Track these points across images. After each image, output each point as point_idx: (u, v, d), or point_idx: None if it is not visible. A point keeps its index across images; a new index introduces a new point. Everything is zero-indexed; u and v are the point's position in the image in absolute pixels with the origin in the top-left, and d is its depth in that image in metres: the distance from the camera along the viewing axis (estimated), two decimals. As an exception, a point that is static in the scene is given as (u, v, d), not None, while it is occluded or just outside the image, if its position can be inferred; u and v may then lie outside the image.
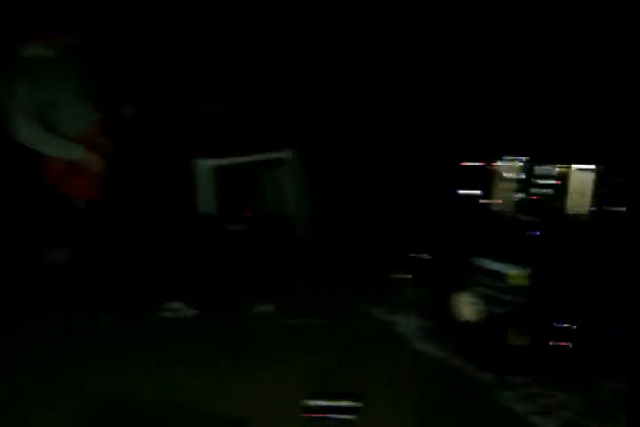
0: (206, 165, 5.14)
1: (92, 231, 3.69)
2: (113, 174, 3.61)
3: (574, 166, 2.96)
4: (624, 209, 2.76)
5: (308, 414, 2.62)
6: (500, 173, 3.22)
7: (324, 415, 2.61)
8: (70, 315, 3.94)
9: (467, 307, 3.07)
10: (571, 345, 2.80)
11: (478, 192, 3.31)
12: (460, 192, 3.39)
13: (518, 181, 3.14)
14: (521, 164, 3.15)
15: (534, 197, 3.07)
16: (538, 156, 3.11)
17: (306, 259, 5.01)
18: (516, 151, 3.21)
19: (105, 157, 3.54)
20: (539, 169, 3.08)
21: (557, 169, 3.01)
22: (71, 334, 3.71)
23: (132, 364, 3.31)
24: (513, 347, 2.86)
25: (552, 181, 3.02)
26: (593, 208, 2.89)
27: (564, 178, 2.98)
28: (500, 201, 3.20)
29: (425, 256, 3.64)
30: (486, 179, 3.29)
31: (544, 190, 3.04)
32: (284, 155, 5.43)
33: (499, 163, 3.24)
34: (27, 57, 3.36)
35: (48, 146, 3.35)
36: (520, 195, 3.12)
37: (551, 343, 2.77)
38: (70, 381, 3.14)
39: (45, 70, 3.34)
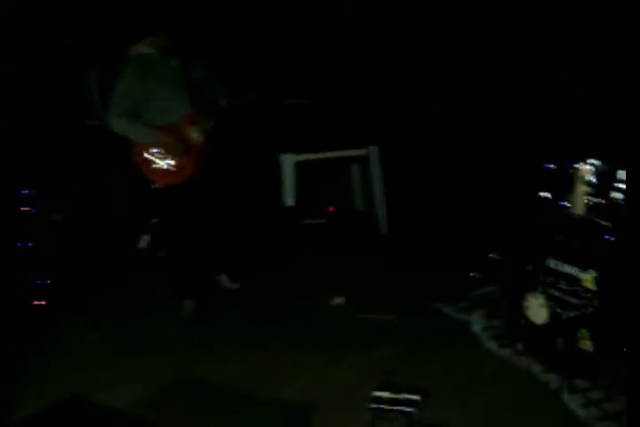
0: (290, 159, 5.27)
1: (174, 215, 3.93)
2: (202, 163, 3.86)
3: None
4: None
5: (373, 405, 2.70)
6: (580, 176, 3.19)
7: (388, 407, 2.68)
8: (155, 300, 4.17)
9: (538, 308, 3.07)
10: None
11: (557, 195, 3.29)
12: (541, 194, 3.38)
13: (596, 184, 3.11)
14: (600, 167, 3.11)
15: (611, 201, 3.03)
16: (616, 159, 3.07)
17: (383, 255, 5.08)
18: (595, 154, 3.17)
19: (193, 145, 3.81)
20: (618, 173, 3.04)
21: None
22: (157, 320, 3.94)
23: (214, 348, 3.52)
24: (581, 350, 2.84)
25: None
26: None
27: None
28: (578, 204, 3.17)
29: (501, 256, 3.65)
30: (566, 181, 3.26)
31: (622, 195, 3.00)
32: (366, 151, 5.49)
33: (579, 166, 3.21)
34: (129, 56, 3.75)
35: (128, 132, 3.69)
36: (597, 198, 3.08)
37: (619, 348, 2.74)
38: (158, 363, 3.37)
39: (144, 67, 3.69)
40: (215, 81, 4.09)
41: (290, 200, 5.22)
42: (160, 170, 3.77)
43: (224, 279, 4.35)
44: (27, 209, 4.11)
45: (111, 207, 5.31)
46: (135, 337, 3.76)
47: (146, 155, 3.76)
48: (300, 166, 5.27)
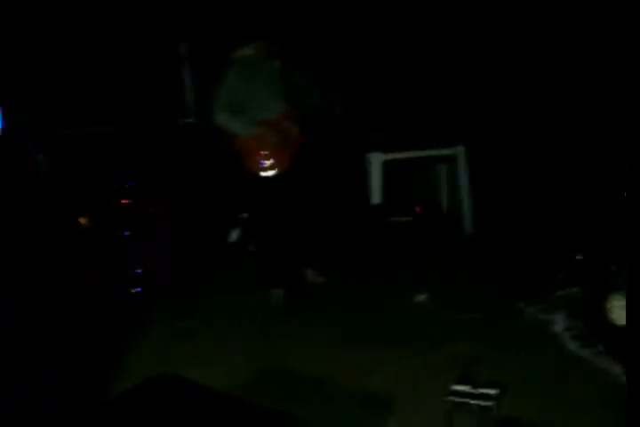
0: (377, 158, 5.36)
1: (265, 208, 4.19)
2: (294, 158, 4.16)
3: None
4: None
5: (452, 398, 2.77)
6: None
7: (466, 400, 2.74)
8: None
9: (620, 309, 3.05)
10: None
11: None
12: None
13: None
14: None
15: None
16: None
17: (469, 255, 5.10)
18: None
19: (288, 139, 4.12)
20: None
21: None
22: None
23: (299, 338, 3.65)
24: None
25: None
26: None
27: None
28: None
29: (585, 257, 3.63)
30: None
31: None
32: (454, 151, 5.51)
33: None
34: (234, 58, 4.16)
35: (231, 126, 4.10)
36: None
37: None
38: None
39: (247, 69, 4.08)
40: (311, 85, 4.35)
41: (377, 198, 5.31)
42: (259, 161, 4.10)
43: (310, 273, 4.48)
44: (126, 201, 4.35)
45: (202, 202, 5.53)
46: (224, 326, 3.93)
47: (246, 147, 4.11)
48: (387, 165, 5.35)
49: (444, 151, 5.53)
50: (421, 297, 4.13)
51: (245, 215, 5.13)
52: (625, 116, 2.45)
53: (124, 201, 4.32)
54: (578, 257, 3.68)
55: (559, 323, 3.56)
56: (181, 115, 5.85)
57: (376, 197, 5.32)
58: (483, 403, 2.69)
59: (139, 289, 4.20)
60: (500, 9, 5.09)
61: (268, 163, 4.11)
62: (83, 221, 4.15)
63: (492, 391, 2.74)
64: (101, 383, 3.19)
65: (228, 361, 3.40)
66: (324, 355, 3.41)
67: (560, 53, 4.65)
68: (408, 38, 5.54)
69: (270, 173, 4.11)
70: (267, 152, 4.09)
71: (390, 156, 5.37)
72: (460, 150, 5.50)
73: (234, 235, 5.15)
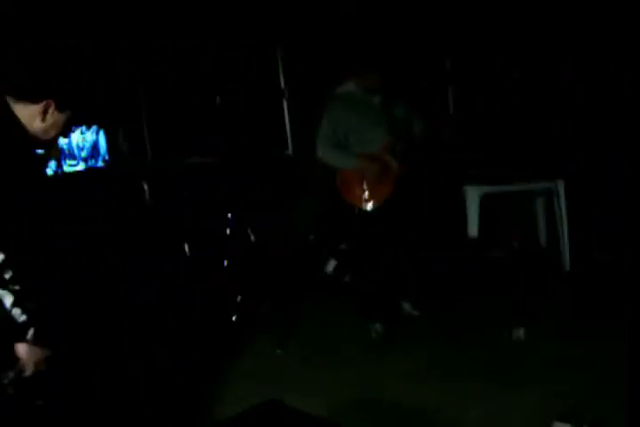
0: (475, 191, 5.32)
1: (364, 241, 4.23)
2: (397, 190, 4.14)
3: None
4: None
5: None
6: None
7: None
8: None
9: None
10: None
11: None
12: None
13: None
14: None
15: None
16: None
17: (567, 291, 4.97)
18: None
19: (390, 172, 4.12)
20: None
21: None
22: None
23: (398, 370, 3.63)
24: None
25: None
26: None
27: None
28: None
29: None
30: None
31: None
32: (553, 185, 5.42)
33: None
34: (336, 93, 4.28)
35: (333, 159, 4.18)
36: None
37: None
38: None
39: (349, 104, 4.16)
40: (413, 117, 4.36)
41: (473, 232, 5.26)
42: (360, 194, 4.14)
43: (406, 306, 4.46)
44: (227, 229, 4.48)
45: (300, 231, 5.62)
46: (321, 355, 3.95)
47: (347, 180, 4.19)
48: (485, 198, 5.30)
49: (543, 185, 5.44)
50: (518, 332, 4.03)
51: (343, 246, 5.18)
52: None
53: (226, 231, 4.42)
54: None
55: None
56: (281, 147, 5.99)
57: (473, 230, 5.27)
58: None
59: (237, 317, 4.27)
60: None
61: (368, 196, 4.14)
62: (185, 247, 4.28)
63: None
64: (204, 408, 3.27)
65: (326, 390, 3.42)
66: (421, 388, 3.37)
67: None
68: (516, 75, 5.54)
69: (370, 206, 4.13)
70: (367, 185, 4.13)
71: (488, 189, 5.33)
72: (559, 184, 5.39)
73: (330, 266, 5.20)
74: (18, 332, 1.88)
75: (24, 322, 1.86)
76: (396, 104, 4.27)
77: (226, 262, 4.24)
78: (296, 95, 5.94)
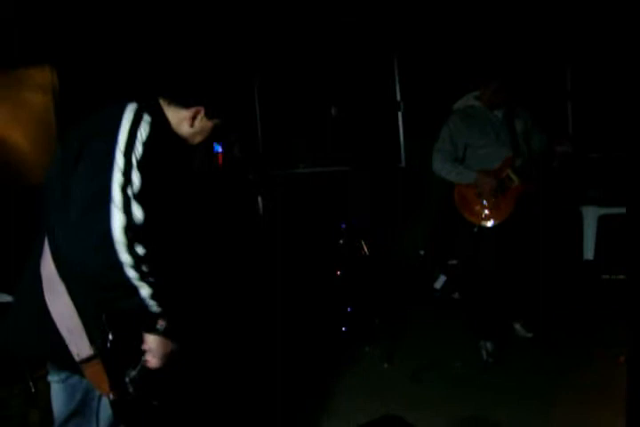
0: (592, 212, 5.17)
1: (477, 258, 4.15)
2: (517, 207, 4.05)
3: None
4: None
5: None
6: None
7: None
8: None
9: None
10: None
11: None
12: None
13: None
14: None
15: None
16: None
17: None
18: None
19: (510, 188, 4.05)
20: None
21: None
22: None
23: (504, 392, 3.56)
24: None
25: None
26: None
27: None
28: None
29: None
30: None
31: None
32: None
33: None
34: (455, 107, 4.26)
35: (450, 174, 4.11)
36: None
37: None
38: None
39: (468, 118, 4.13)
40: (534, 131, 4.27)
41: (590, 254, 5.11)
42: (478, 211, 4.08)
43: (518, 328, 4.36)
44: (340, 242, 4.51)
45: (411, 245, 5.61)
46: (428, 372, 3.91)
47: (466, 196, 4.12)
48: (602, 220, 5.14)
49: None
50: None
51: (453, 262, 5.13)
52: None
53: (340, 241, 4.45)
54: None
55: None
56: (394, 159, 6.00)
57: (590, 252, 5.11)
58: None
59: (347, 329, 4.29)
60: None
61: (489, 213, 4.06)
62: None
63: None
64: (312, 423, 3.31)
65: (435, 408, 3.40)
66: (528, 412, 3.30)
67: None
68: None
69: (489, 223, 4.06)
70: (488, 202, 4.05)
71: (605, 210, 5.16)
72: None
73: (440, 282, 5.16)
74: (150, 322, 1.88)
75: (157, 313, 1.86)
76: (518, 118, 4.18)
77: (338, 273, 4.26)
78: (411, 108, 5.94)
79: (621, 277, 5.20)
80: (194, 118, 2.04)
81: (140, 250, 1.79)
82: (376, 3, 5.74)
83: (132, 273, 1.78)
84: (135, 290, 1.80)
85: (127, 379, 1.88)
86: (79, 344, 1.86)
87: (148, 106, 1.99)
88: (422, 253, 5.60)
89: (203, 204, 2.51)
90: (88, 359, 1.86)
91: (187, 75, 2.19)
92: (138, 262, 1.79)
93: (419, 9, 5.65)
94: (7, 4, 4.80)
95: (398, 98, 5.97)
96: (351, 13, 5.85)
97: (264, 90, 6.57)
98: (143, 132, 1.87)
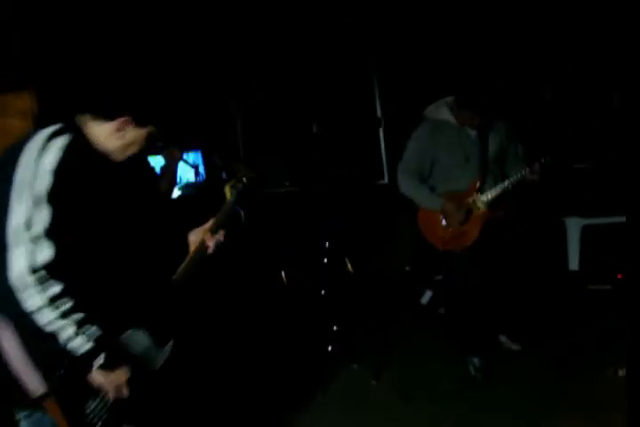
0: (576, 223, 5.18)
1: (457, 273, 4.02)
2: (485, 229, 3.82)
3: None
4: None
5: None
6: None
7: None
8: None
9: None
10: None
11: None
12: None
13: None
14: None
15: None
16: None
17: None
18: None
19: (476, 214, 3.81)
20: None
21: None
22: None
23: (495, 408, 3.55)
24: None
25: None
26: None
27: None
28: None
29: None
30: None
31: None
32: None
33: None
34: (426, 117, 3.93)
35: (415, 197, 3.90)
36: None
37: None
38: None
39: (437, 133, 3.82)
40: (512, 145, 4.00)
41: (574, 264, 5.11)
42: (441, 236, 3.89)
43: (504, 340, 4.33)
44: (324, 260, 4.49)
45: (396, 261, 5.60)
46: (418, 388, 3.88)
47: (428, 218, 3.92)
48: (586, 230, 5.16)
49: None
50: (619, 371, 3.85)
51: (439, 278, 5.12)
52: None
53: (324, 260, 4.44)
54: None
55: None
56: (377, 176, 6.01)
57: (574, 262, 5.12)
58: None
59: (332, 347, 4.27)
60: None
61: (449, 239, 3.85)
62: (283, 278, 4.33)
63: None
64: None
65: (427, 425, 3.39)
66: (523, 425, 3.31)
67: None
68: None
69: (454, 249, 3.85)
70: (450, 228, 3.84)
71: (589, 221, 5.18)
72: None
73: (426, 297, 5.15)
74: (84, 361, 1.80)
75: (89, 350, 1.78)
76: (493, 133, 3.87)
77: (323, 291, 4.24)
78: (392, 124, 5.96)
79: (607, 287, 5.21)
80: (122, 130, 1.97)
81: (55, 288, 1.73)
82: (354, 19, 5.78)
83: (47, 315, 1.72)
84: (54, 336, 1.74)
85: (87, 411, 1.86)
86: (33, 382, 1.82)
87: (67, 128, 1.91)
88: (407, 268, 5.59)
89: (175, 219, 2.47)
90: (44, 396, 1.82)
91: (101, 85, 2.13)
92: (54, 301, 1.72)
93: (398, 25, 5.69)
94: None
95: (379, 114, 5.99)
96: (330, 30, 5.88)
97: (245, 109, 6.60)
98: (51, 160, 1.77)
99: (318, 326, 4.34)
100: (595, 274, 5.24)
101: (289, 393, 3.99)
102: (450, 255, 3.92)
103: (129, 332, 2.03)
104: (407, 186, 3.90)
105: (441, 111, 3.87)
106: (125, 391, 1.89)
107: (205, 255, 2.36)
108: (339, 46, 5.93)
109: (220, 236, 2.37)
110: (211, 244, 2.35)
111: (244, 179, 2.47)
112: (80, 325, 1.76)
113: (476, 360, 3.96)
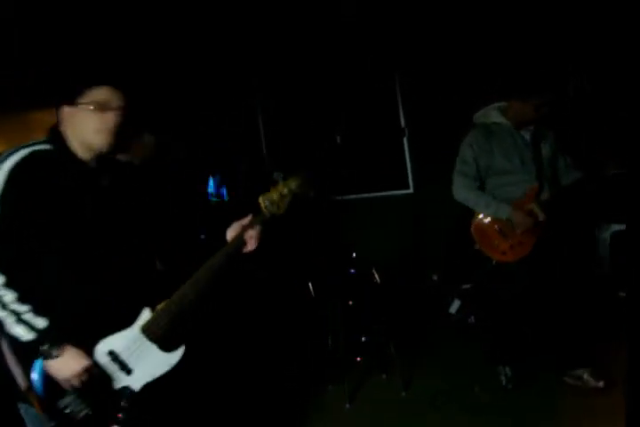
0: (606, 229, 5.13)
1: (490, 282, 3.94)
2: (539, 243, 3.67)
3: None
4: None
5: None
6: None
7: None
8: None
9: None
10: None
11: None
12: None
13: None
14: None
15: None
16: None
17: None
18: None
19: (534, 225, 3.63)
20: None
21: None
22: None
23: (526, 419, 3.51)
24: None
25: None
26: None
27: None
28: None
29: None
30: None
31: None
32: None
33: None
34: (476, 122, 3.82)
35: (478, 205, 3.68)
36: None
37: None
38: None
39: (490, 137, 3.68)
40: (560, 154, 3.85)
41: (605, 270, 5.05)
42: (498, 247, 3.71)
43: (587, 378, 3.79)
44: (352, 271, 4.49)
45: (423, 271, 5.59)
46: (447, 399, 3.86)
47: (485, 229, 3.75)
48: (616, 236, 5.10)
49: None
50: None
51: (467, 287, 5.09)
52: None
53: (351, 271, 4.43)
54: None
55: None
56: (402, 185, 6.00)
57: (604, 268, 5.06)
58: None
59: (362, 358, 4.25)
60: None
61: (507, 250, 3.67)
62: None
63: None
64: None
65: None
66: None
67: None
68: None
69: (509, 259, 3.69)
70: (511, 239, 3.66)
71: (619, 227, 5.12)
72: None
73: (455, 306, 5.11)
74: (30, 350, 1.91)
75: (34, 339, 1.89)
76: (544, 140, 3.74)
77: (350, 302, 4.23)
78: (416, 133, 5.95)
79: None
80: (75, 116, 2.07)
81: None
82: (377, 28, 5.78)
83: None
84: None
85: (61, 405, 1.92)
86: (20, 376, 1.98)
87: (46, 140, 2.08)
88: (435, 277, 5.57)
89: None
90: (28, 390, 1.95)
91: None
92: None
93: (421, 34, 5.68)
94: (24, 50, 4.87)
95: (402, 124, 5.98)
96: (352, 40, 5.89)
97: (268, 122, 6.64)
98: None
99: (347, 336, 4.32)
100: (626, 280, 5.16)
101: (318, 402, 4.01)
102: (504, 266, 3.77)
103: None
104: (466, 192, 3.70)
105: (492, 115, 3.76)
106: (76, 382, 1.94)
107: (241, 250, 2.36)
108: (362, 56, 5.94)
109: (257, 232, 2.38)
110: (250, 239, 2.37)
111: (287, 189, 2.48)
112: (20, 315, 1.87)
113: (507, 370, 3.89)
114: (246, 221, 2.40)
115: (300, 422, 3.76)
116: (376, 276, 4.42)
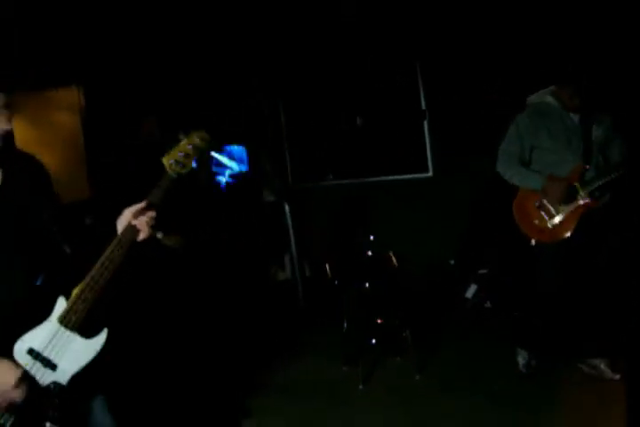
0: None
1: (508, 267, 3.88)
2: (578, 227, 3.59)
3: None
4: None
5: None
6: None
7: None
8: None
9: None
10: None
11: None
12: None
13: None
14: None
15: None
16: None
17: None
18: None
19: (574, 204, 3.58)
20: None
21: None
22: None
23: (540, 407, 3.49)
24: None
25: None
26: None
27: None
28: None
29: None
30: None
31: None
32: None
33: None
34: (528, 102, 3.84)
35: (514, 177, 3.72)
36: None
37: None
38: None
39: (539, 117, 3.69)
40: (617, 139, 3.74)
41: None
42: (536, 224, 3.68)
43: (604, 368, 3.76)
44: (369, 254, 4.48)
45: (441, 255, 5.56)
46: (461, 382, 3.88)
47: (525, 207, 3.74)
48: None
49: None
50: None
51: (484, 271, 5.06)
52: None
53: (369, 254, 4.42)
54: None
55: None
56: (421, 169, 5.96)
57: None
58: None
59: (377, 340, 4.25)
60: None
61: (545, 228, 3.63)
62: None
63: None
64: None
65: (467, 418, 3.38)
66: (566, 423, 3.24)
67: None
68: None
69: (546, 240, 3.63)
70: (547, 216, 3.63)
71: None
72: None
73: (471, 291, 5.10)
74: None
75: None
76: (598, 124, 3.66)
77: (367, 285, 4.22)
78: (437, 116, 5.90)
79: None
80: None
81: None
82: (398, 11, 5.72)
83: None
84: None
85: (2, 421, 1.89)
86: None
87: None
88: (452, 262, 5.54)
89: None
90: None
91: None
92: None
93: (441, 15, 5.61)
94: (38, 28, 4.88)
95: (423, 106, 5.94)
96: (373, 23, 5.84)
97: (289, 103, 6.62)
98: None
99: (362, 318, 4.33)
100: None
101: (332, 383, 4.03)
102: (541, 248, 3.72)
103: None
104: (506, 166, 3.75)
105: (543, 96, 3.77)
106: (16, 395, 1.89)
107: (135, 240, 2.15)
108: (381, 38, 5.89)
109: (150, 217, 2.16)
110: (140, 226, 2.15)
111: (191, 145, 2.24)
112: None
113: (525, 353, 3.87)
114: (134, 208, 2.15)
115: (314, 403, 3.78)
116: (393, 259, 4.41)
